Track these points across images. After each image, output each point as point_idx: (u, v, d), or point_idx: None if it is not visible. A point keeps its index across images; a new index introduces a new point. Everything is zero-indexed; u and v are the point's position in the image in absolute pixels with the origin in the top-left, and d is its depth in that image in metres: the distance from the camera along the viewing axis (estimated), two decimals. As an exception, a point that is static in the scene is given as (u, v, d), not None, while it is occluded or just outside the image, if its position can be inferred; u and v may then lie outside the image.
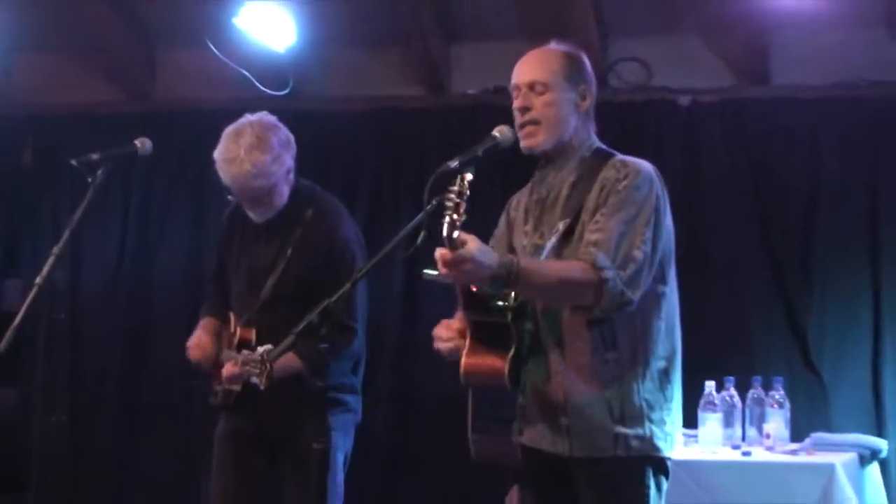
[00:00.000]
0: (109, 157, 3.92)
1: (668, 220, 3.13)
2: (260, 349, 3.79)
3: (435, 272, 2.86)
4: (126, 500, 6.19)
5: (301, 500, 3.98)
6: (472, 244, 2.82)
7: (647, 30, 5.78)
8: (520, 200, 3.32)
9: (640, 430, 3.04)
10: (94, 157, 3.90)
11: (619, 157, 3.18)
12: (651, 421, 3.05)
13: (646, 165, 3.15)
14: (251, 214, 4.10)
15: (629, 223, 3.01)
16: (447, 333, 3.16)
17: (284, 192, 4.07)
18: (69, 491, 6.19)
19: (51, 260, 3.79)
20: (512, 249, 3.25)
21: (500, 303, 3.02)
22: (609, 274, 2.94)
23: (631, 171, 3.09)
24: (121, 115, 6.20)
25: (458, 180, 2.80)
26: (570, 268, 2.98)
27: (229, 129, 4.06)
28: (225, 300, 4.24)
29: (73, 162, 3.91)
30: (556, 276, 2.98)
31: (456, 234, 2.77)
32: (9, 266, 6.42)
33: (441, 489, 5.85)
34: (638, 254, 2.99)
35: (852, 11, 5.45)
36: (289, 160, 4.07)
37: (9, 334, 3.70)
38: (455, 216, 2.77)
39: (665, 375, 3.10)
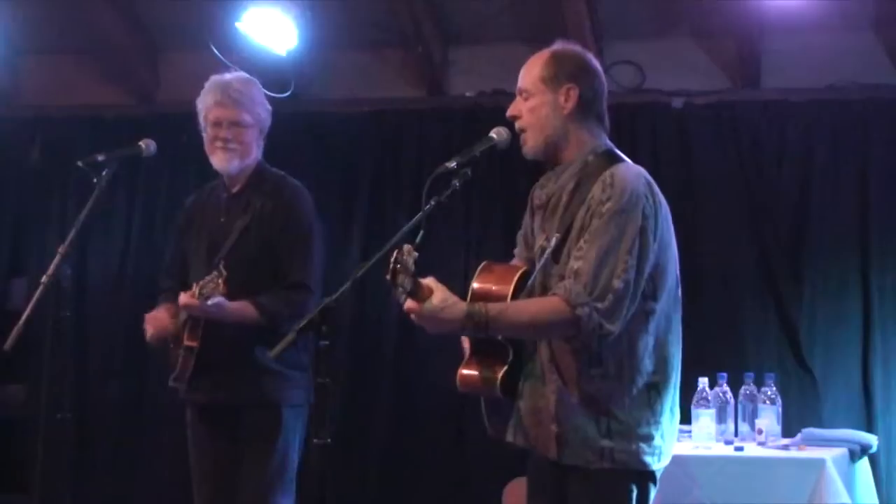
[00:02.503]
0: (115, 158, 4.00)
1: (661, 235, 3.02)
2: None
3: None
4: (131, 497, 6.22)
5: (251, 481, 4.02)
6: (437, 296, 2.87)
7: (641, 33, 5.86)
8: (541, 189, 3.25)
9: (626, 445, 3.01)
10: (100, 158, 3.99)
11: (615, 168, 3.04)
12: (638, 437, 3.02)
13: (633, 183, 2.99)
14: (217, 161, 4.10)
15: (611, 250, 2.93)
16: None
17: (253, 150, 4.12)
18: (74, 487, 6.20)
19: (57, 259, 3.87)
20: (533, 234, 3.23)
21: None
22: (583, 310, 2.88)
23: (616, 192, 2.96)
24: (126, 117, 6.26)
25: (395, 254, 2.79)
26: (544, 307, 2.95)
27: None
28: (183, 289, 4.21)
29: (80, 163, 3.98)
30: (528, 319, 2.96)
31: (402, 298, 2.81)
32: (16, 265, 6.48)
33: (440, 485, 5.90)
34: (618, 283, 2.91)
35: (842, 15, 5.52)
36: (265, 117, 4.15)
37: (15, 332, 3.78)
38: (399, 289, 2.80)
39: (654, 390, 3.04)
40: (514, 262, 3.29)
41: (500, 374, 3.02)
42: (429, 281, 2.90)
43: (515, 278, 3.07)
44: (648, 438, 3.03)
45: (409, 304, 2.88)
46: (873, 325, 5.46)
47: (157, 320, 4.10)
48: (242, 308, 3.94)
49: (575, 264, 2.96)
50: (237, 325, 3.94)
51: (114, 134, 6.05)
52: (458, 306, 2.89)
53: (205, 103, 4.13)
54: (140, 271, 6.25)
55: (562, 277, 3.01)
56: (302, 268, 4.02)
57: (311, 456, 3.11)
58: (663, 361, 3.07)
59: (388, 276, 2.79)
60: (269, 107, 4.21)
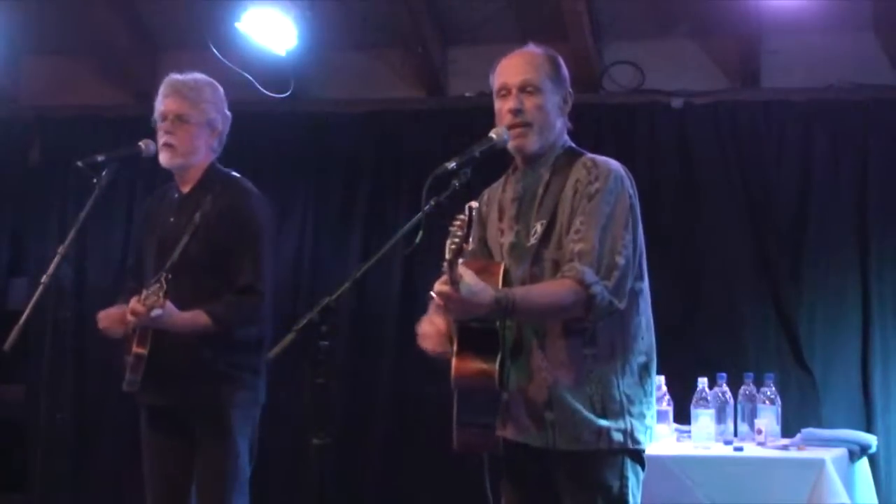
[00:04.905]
0: (114, 159, 4.00)
1: (639, 217, 3.15)
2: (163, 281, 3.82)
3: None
4: (131, 497, 6.22)
5: (202, 485, 4.00)
6: (469, 281, 2.87)
7: (641, 33, 5.86)
8: (491, 196, 3.33)
9: (621, 424, 3.08)
10: (100, 158, 3.98)
11: (588, 155, 3.20)
12: (631, 415, 3.09)
13: (615, 165, 3.16)
14: (161, 157, 4.06)
15: (607, 229, 3.04)
16: (430, 329, 3.21)
17: (199, 149, 4.06)
18: (73, 488, 6.23)
19: (57, 259, 3.86)
20: (484, 244, 3.29)
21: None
22: (596, 289, 2.97)
23: (601, 173, 3.10)
24: (126, 117, 6.24)
25: (467, 210, 2.84)
26: (560, 291, 3.00)
27: None
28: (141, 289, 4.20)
29: (79, 163, 3.97)
30: (550, 301, 3.02)
31: (459, 259, 2.81)
32: (15, 265, 6.47)
33: (440, 487, 5.88)
34: (620, 260, 3.02)
35: (842, 15, 5.52)
36: (216, 118, 4.08)
37: (15, 332, 3.77)
38: (463, 245, 2.82)
39: (645, 370, 3.14)
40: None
41: (496, 364, 3.04)
42: (460, 267, 2.89)
43: (501, 272, 3.11)
44: (641, 417, 3.12)
45: (442, 287, 2.86)
46: (873, 326, 5.46)
47: (109, 316, 4.07)
48: (194, 317, 3.91)
49: (576, 246, 3.03)
50: (189, 334, 3.91)
51: (114, 134, 6.05)
52: (488, 291, 2.92)
53: (157, 101, 4.11)
54: (140, 271, 6.24)
55: (554, 262, 3.08)
56: (251, 271, 3.96)
57: (311, 456, 3.10)
58: (650, 342, 3.18)
59: (461, 236, 2.80)
60: (228, 113, 4.15)
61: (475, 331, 3.05)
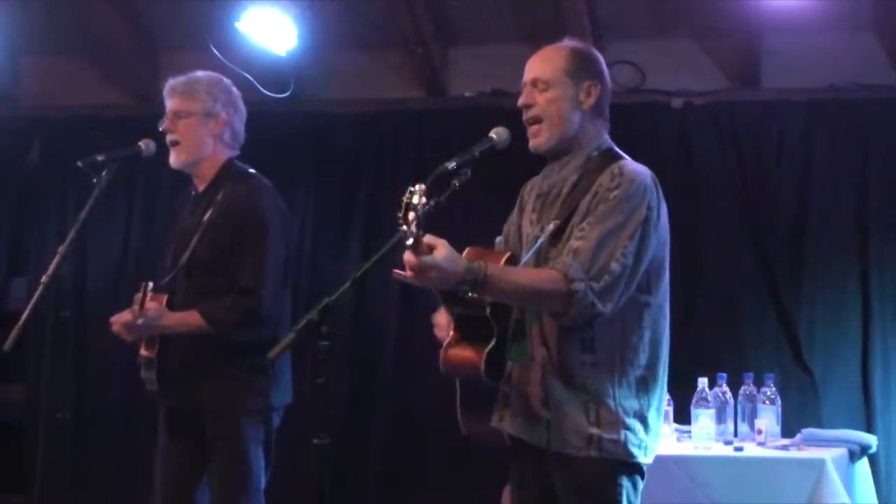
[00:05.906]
0: (114, 159, 4.01)
1: (661, 232, 3.09)
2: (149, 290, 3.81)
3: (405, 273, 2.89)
4: (131, 497, 6.23)
5: (213, 491, 3.99)
6: (441, 250, 2.83)
7: (641, 33, 5.86)
8: (533, 185, 3.29)
9: (614, 435, 3.03)
10: (100, 158, 3.99)
11: (622, 162, 3.12)
12: (626, 427, 3.05)
13: (642, 176, 3.08)
14: (172, 159, 4.06)
15: (612, 234, 2.98)
16: (446, 322, 3.18)
17: (204, 143, 4.03)
18: (74, 488, 6.21)
19: (56, 259, 3.87)
20: (521, 233, 3.26)
21: (473, 295, 2.99)
22: (579, 286, 2.92)
23: (625, 181, 3.03)
24: (125, 118, 6.25)
25: (407, 193, 2.77)
26: (541, 277, 2.98)
27: None
28: None
29: (79, 163, 3.99)
30: (523, 285, 2.98)
31: (410, 241, 2.76)
32: (16, 265, 6.49)
33: (440, 486, 5.90)
34: (615, 266, 2.96)
35: (842, 15, 5.52)
36: (213, 107, 4.05)
37: (15, 332, 3.78)
38: (405, 228, 2.75)
39: (643, 384, 3.08)
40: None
41: (484, 354, 3.03)
42: (430, 238, 2.85)
43: (503, 261, 3.10)
44: (636, 431, 3.06)
45: (408, 256, 2.83)
46: (873, 326, 5.46)
47: (118, 321, 4.02)
48: (184, 317, 3.90)
49: (575, 243, 3.00)
50: (187, 334, 3.90)
51: (114, 134, 6.04)
52: (460, 261, 2.89)
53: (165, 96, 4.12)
54: (140, 271, 6.23)
55: None
56: (252, 272, 3.92)
57: (311, 456, 3.10)
58: (656, 357, 3.11)
59: (399, 214, 2.76)
60: (239, 104, 4.12)
61: (470, 318, 3.05)
